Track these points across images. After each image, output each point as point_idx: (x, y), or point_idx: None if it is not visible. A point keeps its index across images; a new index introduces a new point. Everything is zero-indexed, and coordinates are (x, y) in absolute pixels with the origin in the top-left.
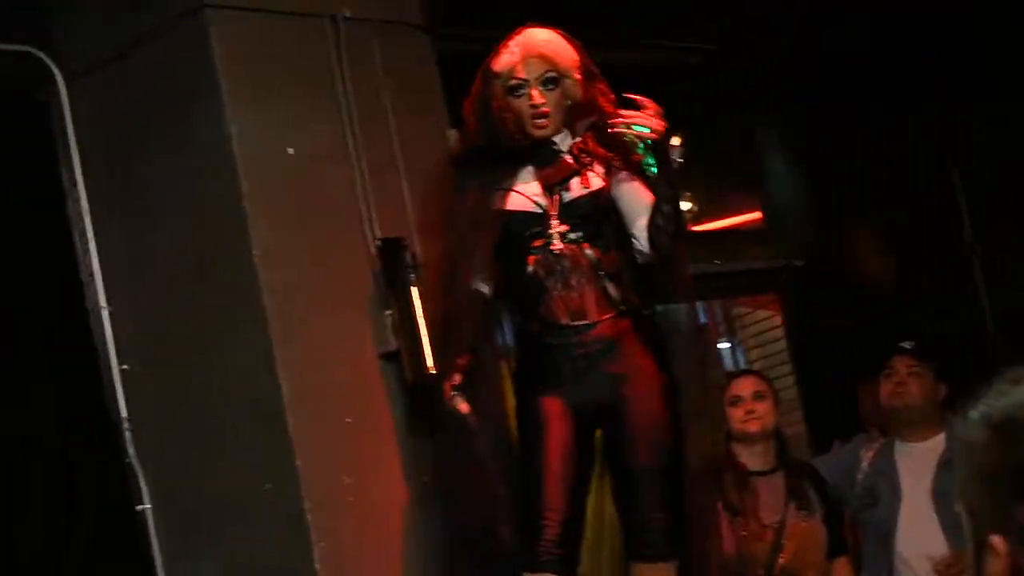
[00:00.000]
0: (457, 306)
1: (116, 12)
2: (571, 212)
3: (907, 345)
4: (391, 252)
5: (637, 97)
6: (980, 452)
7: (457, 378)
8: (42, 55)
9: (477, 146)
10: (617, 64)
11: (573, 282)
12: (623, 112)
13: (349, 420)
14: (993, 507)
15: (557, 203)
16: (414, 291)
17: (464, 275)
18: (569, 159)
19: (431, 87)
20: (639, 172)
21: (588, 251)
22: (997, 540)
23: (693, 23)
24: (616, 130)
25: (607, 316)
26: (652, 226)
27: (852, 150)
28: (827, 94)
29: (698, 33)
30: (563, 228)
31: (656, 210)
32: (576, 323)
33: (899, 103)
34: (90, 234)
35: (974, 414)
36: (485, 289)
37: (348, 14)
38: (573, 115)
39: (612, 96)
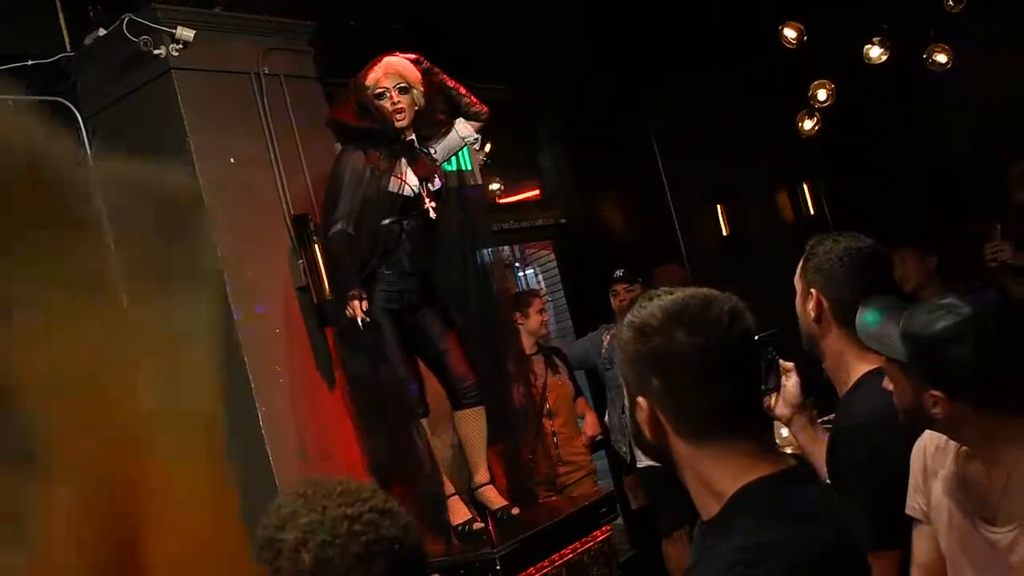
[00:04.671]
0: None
1: (115, 74)
2: (435, 196)
3: (620, 273)
4: (300, 223)
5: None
6: (627, 344)
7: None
8: (68, 103)
9: (357, 131)
10: None
11: (425, 239)
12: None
13: (278, 330)
14: (637, 379)
15: (427, 190)
16: (316, 247)
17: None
18: (427, 161)
19: (321, 116)
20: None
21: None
22: (641, 400)
23: (496, 72)
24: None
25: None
26: None
27: (595, 151)
28: (581, 115)
29: (500, 78)
30: (432, 204)
31: None
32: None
33: (621, 120)
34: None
35: (625, 320)
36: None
37: (267, 71)
38: (422, 118)
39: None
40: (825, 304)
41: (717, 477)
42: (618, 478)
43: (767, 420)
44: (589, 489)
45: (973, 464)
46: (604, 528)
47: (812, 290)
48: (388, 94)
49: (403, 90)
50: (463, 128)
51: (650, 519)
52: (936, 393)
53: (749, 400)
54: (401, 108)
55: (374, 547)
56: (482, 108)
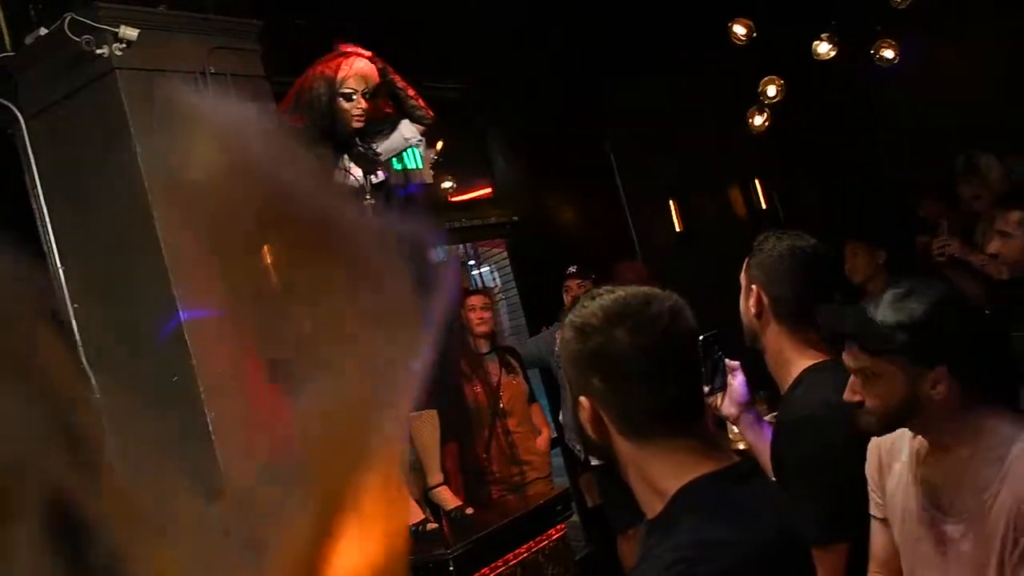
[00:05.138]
0: None
1: (58, 72)
2: (375, 189)
3: (573, 269)
4: None
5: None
6: (568, 343)
7: None
8: (9, 103)
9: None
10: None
11: None
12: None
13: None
14: (579, 378)
15: (368, 183)
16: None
17: None
18: (369, 157)
19: (269, 115)
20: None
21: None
22: (583, 400)
23: (448, 70)
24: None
25: None
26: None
27: (547, 148)
28: (533, 113)
29: (452, 76)
30: (371, 202)
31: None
32: None
33: (573, 117)
34: (48, 222)
35: (567, 319)
36: None
37: (213, 70)
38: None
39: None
40: (765, 301)
41: (660, 476)
42: (573, 476)
43: (712, 418)
44: (544, 488)
45: (929, 456)
46: (559, 526)
47: (753, 286)
48: (356, 97)
49: (366, 95)
50: (407, 129)
51: (605, 516)
52: (940, 370)
53: (691, 398)
54: (362, 113)
55: None
56: (428, 112)
